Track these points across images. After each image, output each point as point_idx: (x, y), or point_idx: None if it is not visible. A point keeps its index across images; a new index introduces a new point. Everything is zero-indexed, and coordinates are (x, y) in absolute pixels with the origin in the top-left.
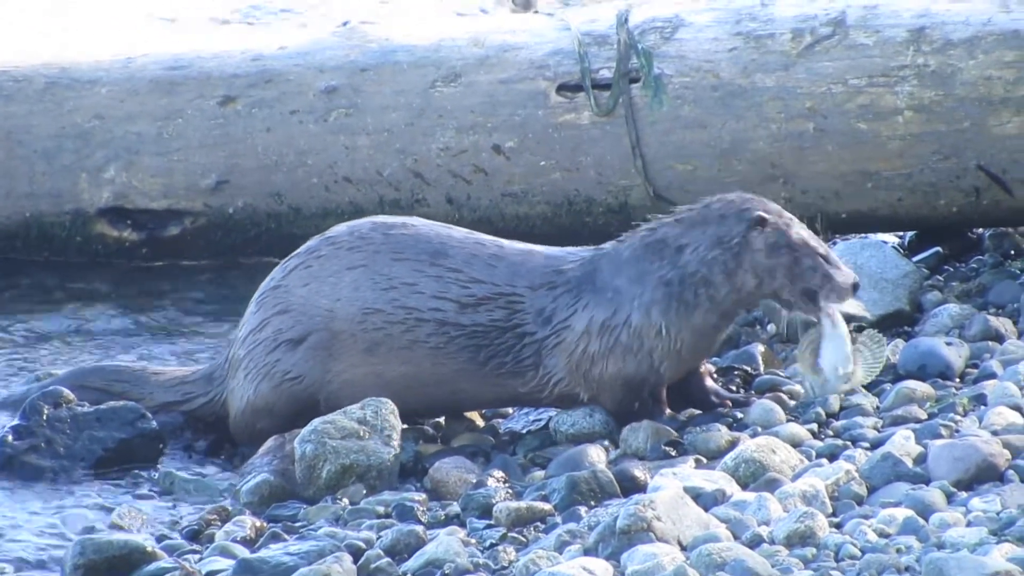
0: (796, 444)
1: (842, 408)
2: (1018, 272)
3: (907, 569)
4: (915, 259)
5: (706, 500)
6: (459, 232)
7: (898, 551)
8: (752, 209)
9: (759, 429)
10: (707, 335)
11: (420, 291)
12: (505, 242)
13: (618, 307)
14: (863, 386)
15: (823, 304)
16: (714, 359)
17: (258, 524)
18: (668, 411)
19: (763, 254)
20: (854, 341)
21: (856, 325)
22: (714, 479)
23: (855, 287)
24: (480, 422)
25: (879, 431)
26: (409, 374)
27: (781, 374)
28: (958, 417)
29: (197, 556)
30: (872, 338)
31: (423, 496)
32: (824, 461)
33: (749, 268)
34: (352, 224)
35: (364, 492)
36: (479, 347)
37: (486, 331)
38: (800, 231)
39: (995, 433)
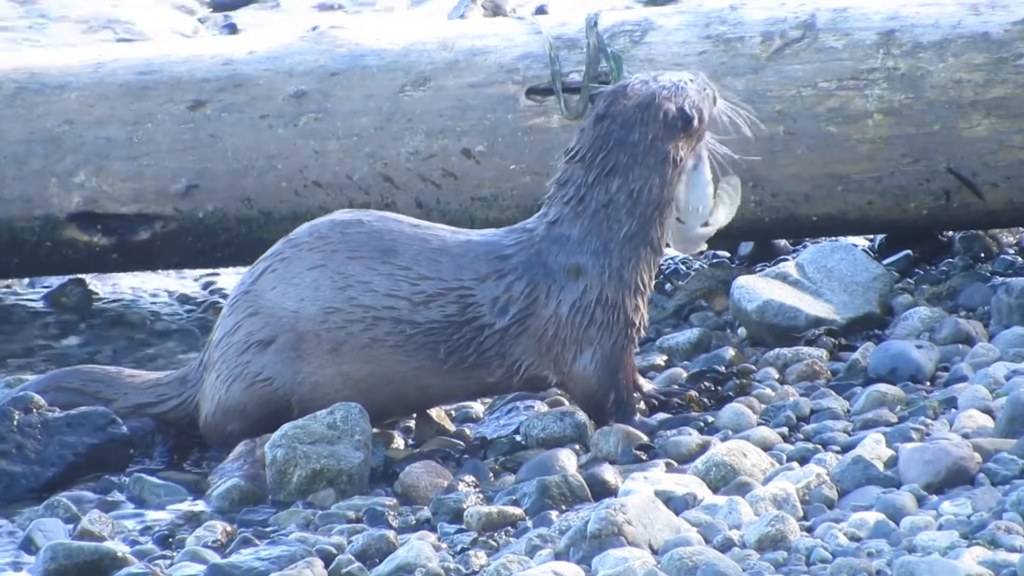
0: (767, 448)
1: (813, 412)
2: (988, 275)
3: (878, 573)
4: (885, 262)
5: (677, 504)
6: (408, 226)
7: (869, 555)
8: (664, 134)
9: (730, 433)
10: (663, 227)
11: (374, 289)
12: (448, 233)
13: (586, 285)
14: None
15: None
16: (686, 363)
17: (229, 529)
18: (640, 411)
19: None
20: (715, 182)
21: (826, 329)
22: (685, 483)
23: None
24: (451, 426)
25: (850, 434)
26: (375, 373)
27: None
28: (929, 420)
29: (168, 561)
30: (731, 182)
31: (394, 501)
32: (795, 465)
33: (671, 158)
34: (312, 224)
35: (335, 497)
36: (437, 343)
37: (442, 327)
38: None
39: (966, 436)
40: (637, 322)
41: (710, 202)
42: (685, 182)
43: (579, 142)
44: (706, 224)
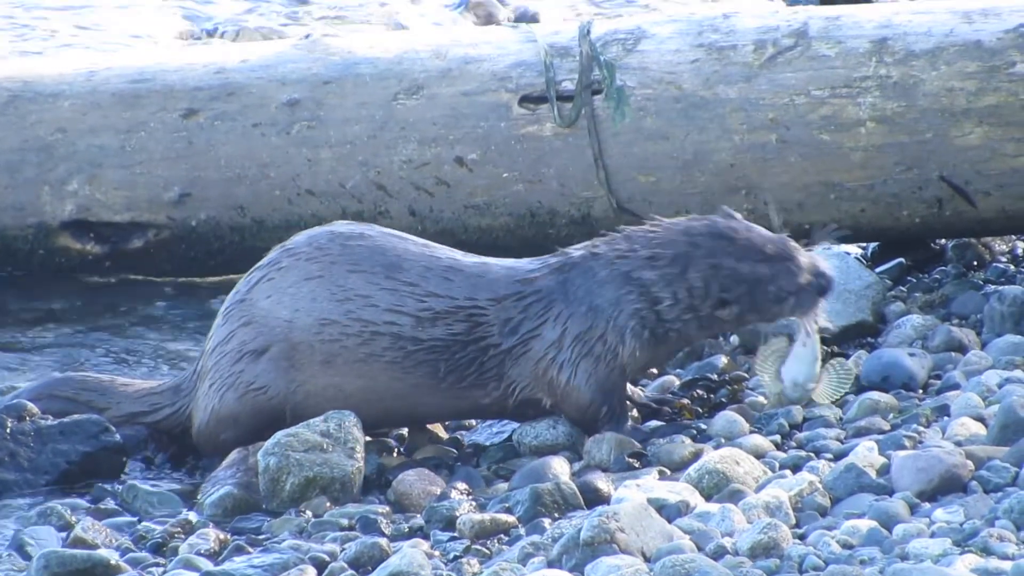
0: (759, 455)
1: (805, 419)
2: (981, 283)
3: None
4: (878, 270)
5: (670, 511)
6: (415, 244)
7: (862, 562)
8: (711, 284)
9: (723, 440)
10: (675, 353)
11: (375, 304)
12: (459, 254)
13: (594, 323)
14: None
15: (795, 320)
16: (678, 371)
17: (222, 537)
18: (632, 419)
19: (733, 322)
20: (824, 361)
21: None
22: (678, 490)
23: (822, 289)
24: (443, 434)
25: (842, 442)
26: (367, 388)
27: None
28: (921, 428)
29: (161, 569)
30: (842, 364)
31: (387, 508)
32: (788, 472)
33: (722, 325)
34: (311, 233)
35: (328, 504)
36: (438, 361)
37: (446, 346)
38: (755, 263)
39: (958, 444)
40: (629, 372)
41: (813, 379)
42: (792, 355)
43: (667, 231)
44: (805, 396)
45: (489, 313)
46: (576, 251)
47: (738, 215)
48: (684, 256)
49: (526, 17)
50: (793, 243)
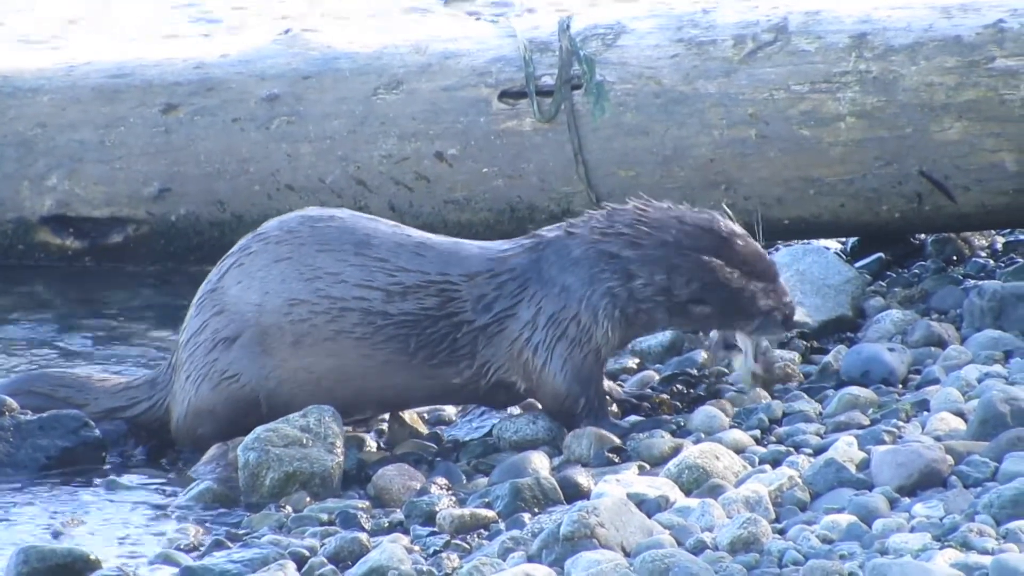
0: (739, 450)
1: (785, 414)
2: (960, 278)
3: (851, 575)
4: (858, 265)
5: (650, 506)
6: (386, 224)
7: (842, 557)
8: (695, 281)
9: (702, 435)
10: (644, 334)
11: (344, 280)
12: (431, 235)
13: (567, 303)
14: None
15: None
16: (658, 366)
17: (202, 531)
18: (612, 414)
19: (697, 321)
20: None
21: (798, 331)
22: (657, 485)
23: (786, 320)
24: (423, 429)
25: (822, 437)
26: (337, 367)
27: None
28: (901, 423)
29: (140, 564)
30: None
31: (366, 503)
32: (767, 467)
33: (687, 316)
34: (282, 219)
35: (307, 499)
36: (408, 336)
37: (417, 319)
38: (742, 276)
39: (938, 439)
40: (603, 354)
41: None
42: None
43: (657, 214)
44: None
45: (462, 288)
46: (550, 231)
47: (729, 216)
48: (675, 243)
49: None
50: (775, 263)
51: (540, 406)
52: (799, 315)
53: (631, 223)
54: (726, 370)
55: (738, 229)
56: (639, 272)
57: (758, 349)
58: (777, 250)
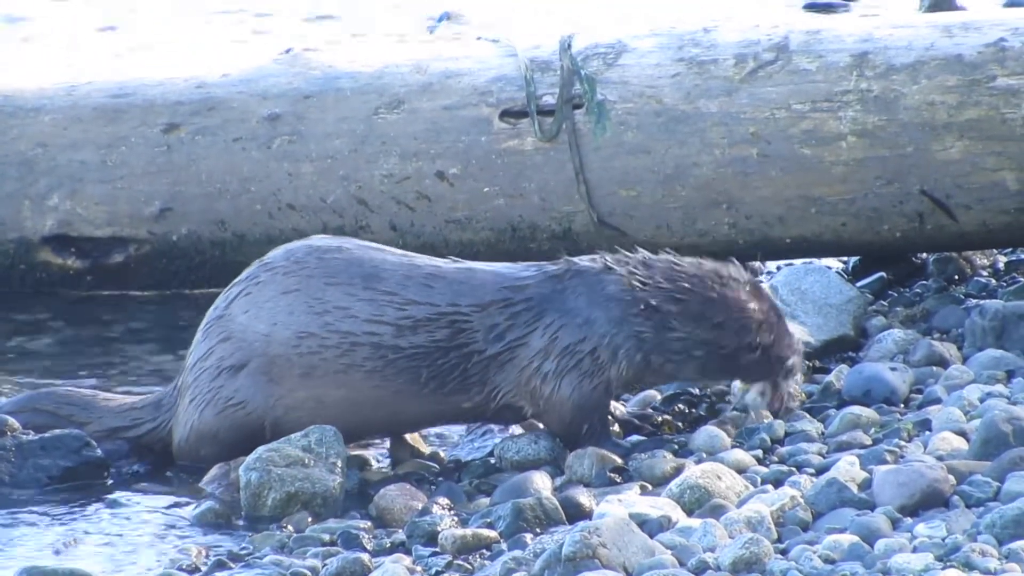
0: (741, 470)
1: (787, 434)
2: (962, 297)
3: None
4: (859, 284)
5: (651, 527)
6: (394, 255)
7: None
8: (726, 343)
9: (704, 455)
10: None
11: (354, 315)
12: (441, 262)
13: (587, 336)
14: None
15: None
16: (659, 386)
17: (203, 551)
18: (614, 434)
19: (755, 357)
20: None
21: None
22: (659, 505)
23: (794, 372)
24: (425, 449)
25: (824, 457)
26: (347, 398)
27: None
28: (903, 443)
29: None
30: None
31: (368, 523)
32: (769, 487)
33: (740, 364)
34: (288, 248)
35: (309, 520)
36: (419, 367)
37: (428, 352)
38: (777, 336)
39: (940, 458)
40: (614, 387)
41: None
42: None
43: (688, 263)
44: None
45: (472, 319)
46: (583, 260)
47: (758, 275)
48: (717, 305)
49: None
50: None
51: (544, 427)
52: (799, 334)
53: (671, 278)
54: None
55: (756, 273)
56: (680, 327)
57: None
58: (779, 270)
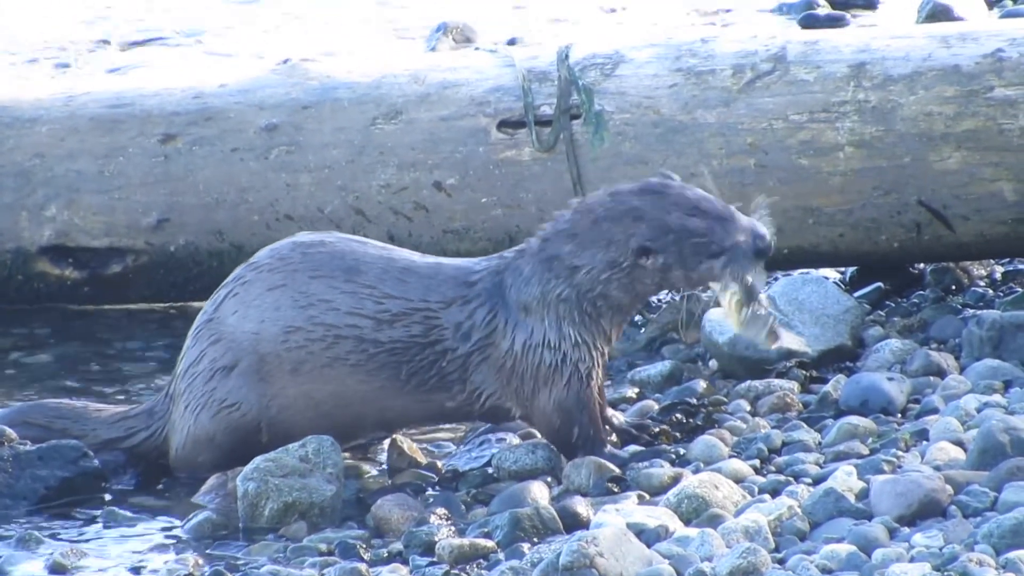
0: (738, 480)
1: (784, 444)
2: (959, 307)
3: None
4: (856, 294)
5: (649, 536)
6: (374, 247)
7: None
8: (636, 235)
9: (701, 465)
10: (619, 326)
11: (336, 308)
12: (416, 256)
13: (533, 326)
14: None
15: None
16: (657, 395)
17: (201, 562)
18: (609, 439)
19: (656, 273)
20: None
21: (797, 361)
22: (657, 515)
23: (759, 251)
24: (423, 459)
25: (821, 467)
26: (336, 393)
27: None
28: (900, 452)
29: None
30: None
31: (366, 533)
32: (767, 497)
33: (645, 282)
34: (273, 247)
35: (307, 530)
36: (400, 363)
37: (405, 347)
38: (685, 216)
39: (937, 468)
40: (583, 371)
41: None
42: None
43: (591, 200)
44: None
45: (441, 316)
46: (511, 251)
47: (676, 176)
48: (605, 216)
49: (512, 43)
50: (731, 207)
51: (537, 434)
52: (796, 344)
53: (567, 217)
54: (711, 317)
55: (672, 181)
56: (579, 262)
57: (743, 290)
58: (776, 280)
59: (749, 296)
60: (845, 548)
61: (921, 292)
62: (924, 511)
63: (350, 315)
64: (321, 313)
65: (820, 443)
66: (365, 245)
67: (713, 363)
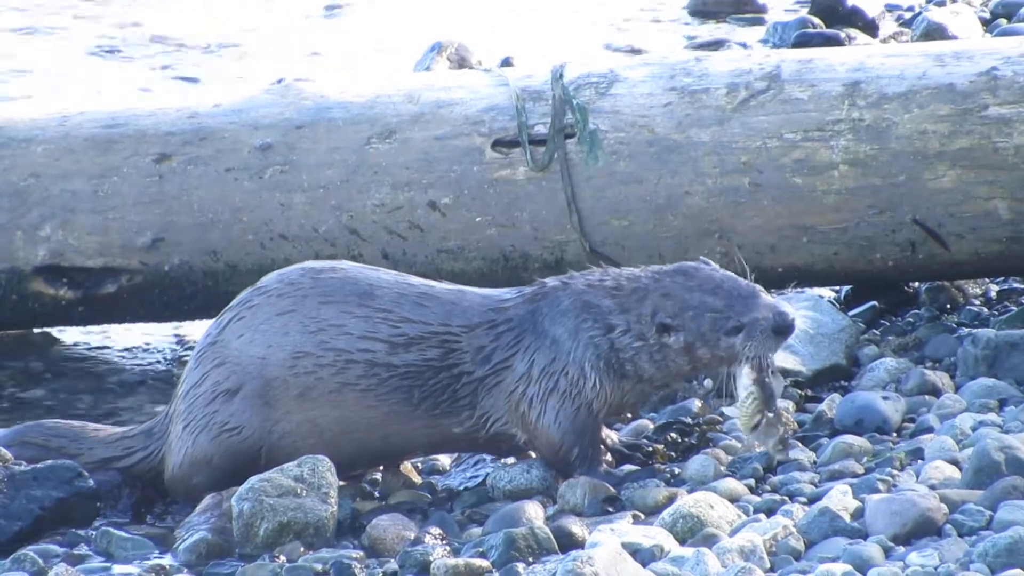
0: (734, 499)
1: (779, 463)
2: (954, 326)
3: None
4: (851, 313)
5: (644, 556)
6: (388, 274)
7: None
8: (660, 312)
9: (697, 484)
10: (641, 397)
11: (348, 332)
12: (435, 283)
13: (556, 355)
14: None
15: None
16: (652, 415)
17: None
18: (606, 463)
19: (682, 353)
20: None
21: (792, 380)
22: (652, 535)
23: (779, 328)
24: (417, 479)
25: (816, 486)
26: (342, 419)
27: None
28: (895, 471)
29: None
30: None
31: (361, 553)
32: (762, 516)
33: (677, 361)
34: (282, 272)
35: (302, 549)
36: (412, 387)
37: (419, 371)
38: (706, 294)
39: (932, 487)
40: (595, 409)
41: (745, 431)
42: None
43: (633, 270)
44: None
45: (462, 340)
46: (551, 281)
47: (713, 263)
48: (643, 288)
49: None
50: (758, 287)
51: (536, 456)
52: (790, 363)
53: (615, 277)
54: (726, 413)
55: (704, 266)
56: (616, 321)
57: (761, 377)
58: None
59: (767, 400)
60: (840, 567)
61: (916, 311)
62: (919, 530)
63: (363, 339)
64: (332, 338)
65: (815, 462)
66: (378, 272)
67: (708, 382)
